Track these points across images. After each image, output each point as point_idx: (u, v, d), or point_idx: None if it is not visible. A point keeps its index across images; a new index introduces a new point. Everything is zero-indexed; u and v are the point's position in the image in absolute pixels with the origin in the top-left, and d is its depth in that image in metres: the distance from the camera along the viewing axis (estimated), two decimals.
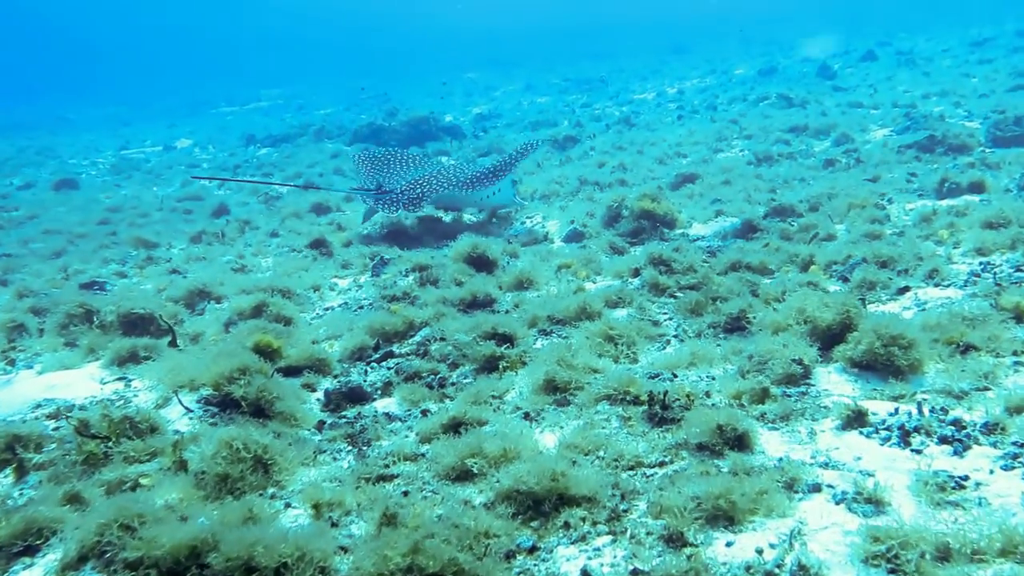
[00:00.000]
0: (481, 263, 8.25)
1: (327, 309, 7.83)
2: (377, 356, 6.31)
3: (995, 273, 6.70)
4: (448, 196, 10.30)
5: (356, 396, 5.47)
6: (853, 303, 5.59)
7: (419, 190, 10.94)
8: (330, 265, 9.28)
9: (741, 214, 9.69)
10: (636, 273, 7.85)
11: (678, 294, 7.24)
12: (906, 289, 6.67)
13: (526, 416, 5.03)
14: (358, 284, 8.56)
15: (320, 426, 5.09)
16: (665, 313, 6.89)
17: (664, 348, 6.24)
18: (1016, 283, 6.35)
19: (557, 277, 8.06)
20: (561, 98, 31.00)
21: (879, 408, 4.65)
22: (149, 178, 18.58)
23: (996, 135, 12.59)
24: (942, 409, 4.56)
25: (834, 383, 5.10)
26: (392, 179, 10.99)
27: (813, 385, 5.10)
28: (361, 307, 7.68)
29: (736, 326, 6.34)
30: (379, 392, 5.67)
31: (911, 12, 47.68)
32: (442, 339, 6.42)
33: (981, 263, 7.09)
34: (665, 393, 4.83)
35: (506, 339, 6.24)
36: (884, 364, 5.08)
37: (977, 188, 9.41)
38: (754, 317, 6.23)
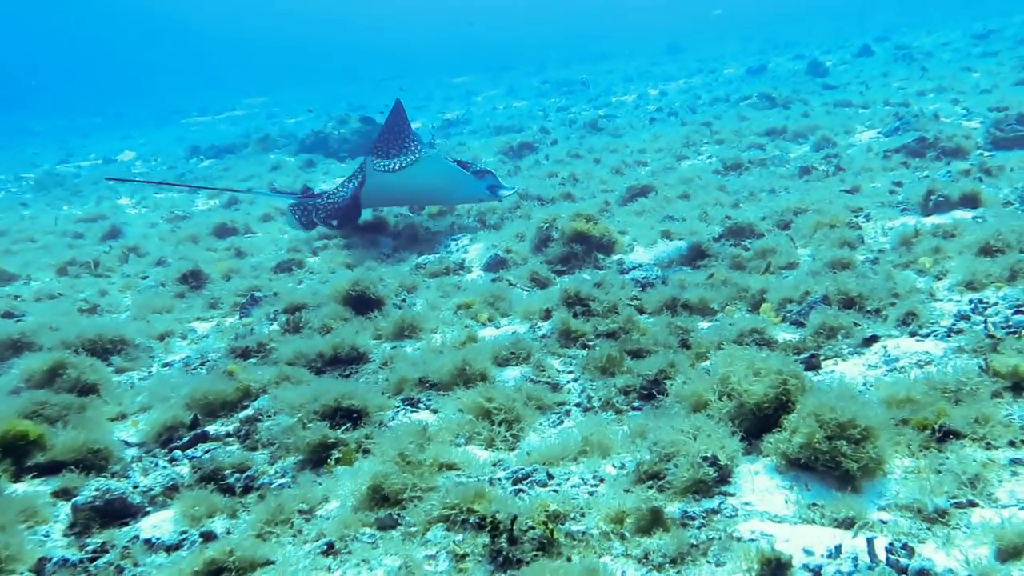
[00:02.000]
0: (365, 304, 6.88)
1: (166, 365, 6.45)
2: (183, 441, 4.94)
3: (987, 317, 5.33)
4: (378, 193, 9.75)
5: (116, 511, 4.09)
6: (792, 371, 4.22)
7: (338, 195, 10.15)
8: (197, 304, 7.91)
9: (691, 235, 8.32)
10: (548, 315, 6.48)
11: (593, 343, 5.88)
12: (873, 339, 5.30)
13: (328, 550, 3.65)
14: (220, 329, 7.19)
15: (40, 566, 3.71)
16: (571, 372, 5.53)
17: (560, 423, 4.88)
18: (1015, 332, 4.97)
19: (452, 321, 6.69)
20: (539, 102, 29.72)
21: (816, 541, 3.28)
22: (65, 195, 17.21)
23: (996, 136, 11.22)
24: (904, 547, 3.18)
25: (760, 493, 3.72)
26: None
27: (731, 495, 3.73)
28: (205, 362, 6.32)
29: (653, 391, 4.99)
30: (155, 501, 4.29)
31: (915, 7, 46.49)
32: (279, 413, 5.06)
33: (971, 301, 5.72)
34: (514, 520, 3.45)
35: (352, 415, 4.88)
36: (828, 465, 3.71)
37: (970, 202, 8.04)
38: (676, 381, 4.86)
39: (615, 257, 8.22)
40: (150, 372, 6.32)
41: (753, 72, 27.71)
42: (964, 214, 7.83)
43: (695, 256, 7.73)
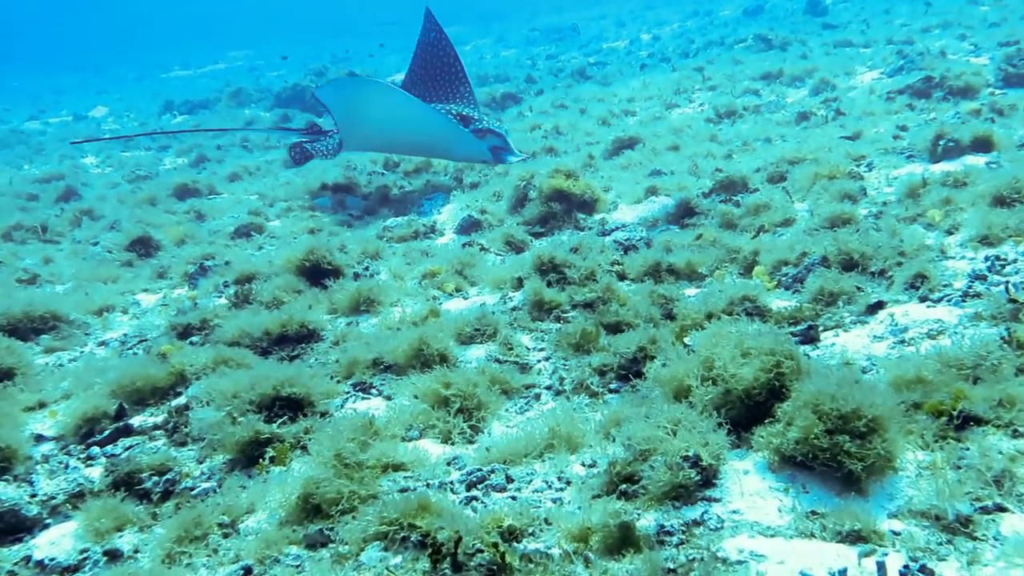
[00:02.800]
0: (320, 274, 6.31)
1: (102, 344, 5.90)
2: (104, 435, 4.41)
3: (1006, 278, 4.77)
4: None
5: (7, 525, 3.57)
6: (786, 350, 3.66)
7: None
8: (144, 273, 7.33)
9: (679, 191, 7.72)
10: (521, 284, 5.92)
11: (569, 315, 5.33)
12: (879, 306, 4.75)
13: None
14: (164, 303, 6.62)
15: None
16: (542, 349, 4.99)
17: (527, 409, 4.36)
18: None
19: (416, 292, 6.13)
20: (527, 50, 28.74)
21: (815, 562, 2.77)
22: (28, 153, 16.46)
23: (1008, 72, 10.51)
24: (922, 571, 2.67)
25: (750, 497, 3.21)
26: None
27: (716, 501, 3.21)
28: (143, 340, 5.77)
29: (632, 371, 4.45)
30: (57, 512, 3.77)
31: None
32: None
33: (987, 258, 5.15)
34: (458, 543, 2.93)
35: (294, 405, 4.34)
36: (829, 464, 3.18)
37: (983, 146, 7.42)
38: (655, 364, 4.32)
39: (597, 216, 7.62)
40: (82, 352, 5.77)
41: (750, 13, 26.66)
42: (976, 160, 7.22)
43: (683, 214, 7.13)
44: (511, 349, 4.92)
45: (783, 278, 5.48)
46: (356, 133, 9.50)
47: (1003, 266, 5.04)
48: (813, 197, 6.90)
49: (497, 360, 4.82)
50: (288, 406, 4.31)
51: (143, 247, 7.88)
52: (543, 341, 5.07)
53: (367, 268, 6.75)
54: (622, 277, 5.99)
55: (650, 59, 19.73)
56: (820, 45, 16.01)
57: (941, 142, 7.35)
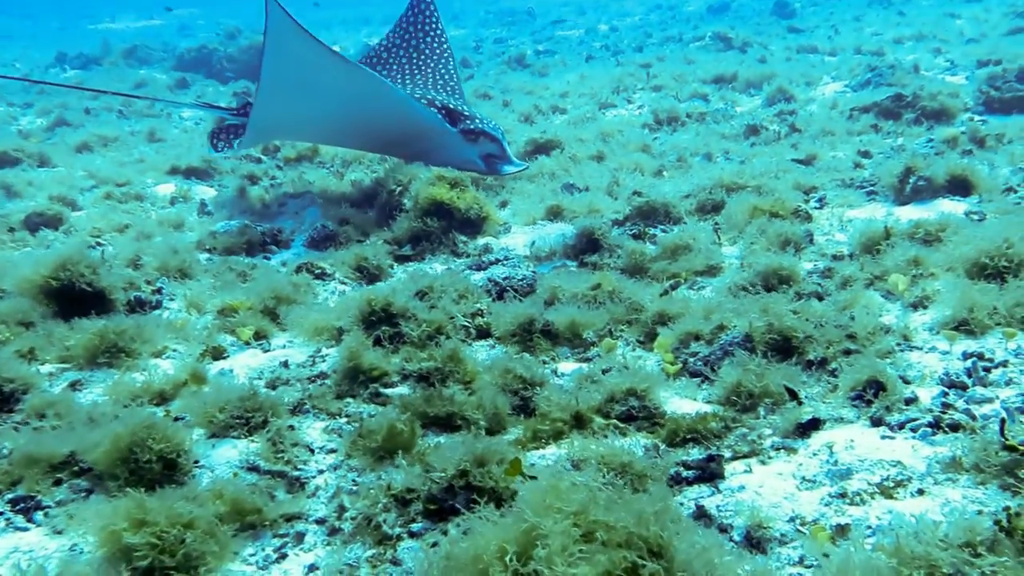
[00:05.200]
0: (76, 299, 4.69)
1: None
2: None
3: (995, 393, 3.43)
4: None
5: None
6: (653, 537, 2.24)
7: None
8: None
9: (590, 214, 6.29)
10: (340, 335, 4.41)
11: (392, 394, 3.85)
12: (814, 425, 3.35)
13: None
14: None
15: None
16: (334, 451, 3.50)
17: (277, 561, 2.88)
18: None
19: (198, 336, 4.56)
20: (476, 32, 27.18)
21: None
22: None
23: (990, 95, 9.28)
24: None
25: None
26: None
27: None
28: None
29: (447, 504, 3.00)
30: None
31: None
32: None
33: (966, 356, 3.81)
34: None
35: None
36: None
37: (960, 187, 6.12)
38: (452, 528, 2.87)
39: (483, 240, 6.14)
40: None
41: (715, 11, 25.55)
42: (953, 206, 5.91)
43: (585, 247, 5.69)
44: (281, 452, 3.41)
45: (691, 358, 4.06)
46: (287, 108, 6.61)
47: (988, 370, 3.69)
48: (747, 240, 5.51)
49: (255, 469, 3.31)
50: None
51: None
52: (341, 436, 3.57)
53: (159, 291, 5.17)
54: (484, 334, 4.53)
55: (602, 51, 18.36)
56: (783, 49, 14.78)
57: (911, 179, 6.02)
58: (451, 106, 7.29)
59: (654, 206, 6.20)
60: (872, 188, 6.53)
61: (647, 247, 5.43)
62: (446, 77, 8.26)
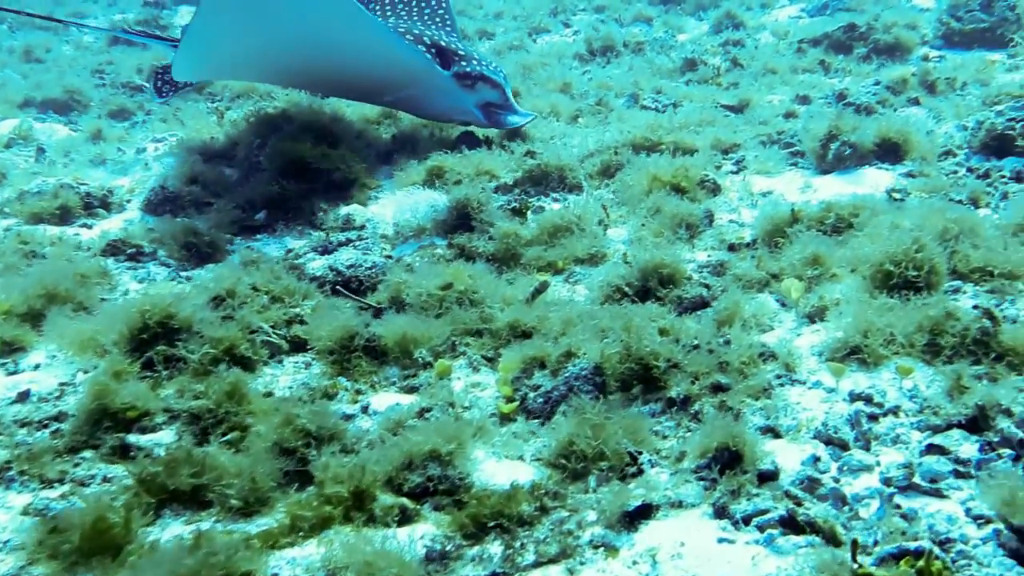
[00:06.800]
0: None
1: None
2: None
3: (874, 457, 2.83)
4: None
5: None
6: None
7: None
8: None
9: (477, 177, 5.51)
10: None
11: (151, 445, 3.18)
12: (643, 514, 2.71)
13: None
14: None
15: None
16: (19, 548, 2.78)
17: None
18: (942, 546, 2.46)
19: None
20: None
21: None
22: None
23: (951, 27, 8.44)
24: None
25: None
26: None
27: None
28: None
29: None
30: None
31: None
32: None
33: (854, 397, 3.19)
34: None
35: None
36: None
37: (891, 151, 5.39)
38: None
39: (345, 210, 5.34)
40: None
41: None
42: (879, 176, 5.19)
43: (457, 222, 4.93)
44: None
45: (532, 392, 3.40)
46: (234, 33, 5.34)
47: (875, 418, 3.08)
48: (640, 218, 4.78)
49: None
50: None
51: None
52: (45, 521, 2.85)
53: None
54: (299, 347, 3.82)
55: None
56: None
57: (833, 145, 5.25)
58: (443, 43, 6.19)
59: (547, 170, 5.43)
60: (796, 148, 5.78)
61: (520, 230, 4.67)
62: (434, 5, 7.07)
